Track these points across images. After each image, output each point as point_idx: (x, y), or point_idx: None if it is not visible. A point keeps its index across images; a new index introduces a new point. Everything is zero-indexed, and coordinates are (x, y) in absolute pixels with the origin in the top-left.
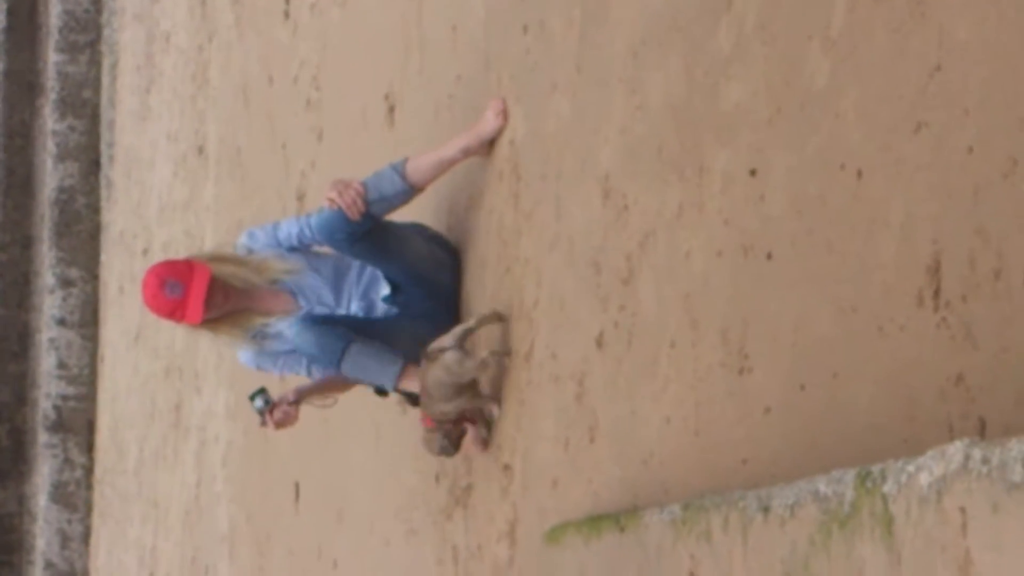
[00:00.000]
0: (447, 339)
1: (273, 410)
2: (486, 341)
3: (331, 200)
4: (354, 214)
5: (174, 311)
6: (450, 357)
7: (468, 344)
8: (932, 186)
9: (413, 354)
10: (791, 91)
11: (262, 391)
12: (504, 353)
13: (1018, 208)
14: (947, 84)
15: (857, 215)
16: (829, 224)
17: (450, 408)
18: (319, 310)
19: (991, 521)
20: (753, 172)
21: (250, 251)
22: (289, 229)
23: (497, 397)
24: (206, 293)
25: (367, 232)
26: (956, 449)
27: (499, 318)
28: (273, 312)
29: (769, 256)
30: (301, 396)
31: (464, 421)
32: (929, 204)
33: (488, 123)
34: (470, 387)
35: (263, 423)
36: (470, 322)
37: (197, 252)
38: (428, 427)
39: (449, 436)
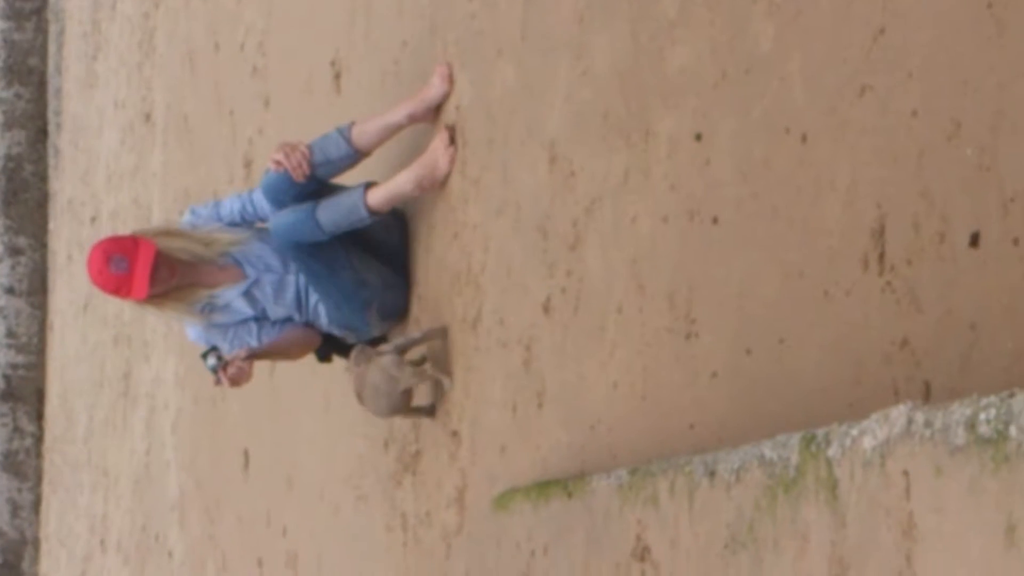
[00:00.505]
0: (387, 345)
1: (227, 367)
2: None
3: (277, 162)
4: (299, 176)
5: (120, 287)
6: (388, 360)
7: (408, 356)
8: (877, 150)
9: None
10: (736, 55)
11: (214, 348)
12: (445, 374)
13: (962, 171)
14: (891, 47)
15: (802, 179)
16: (774, 188)
17: (382, 416)
18: (267, 278)
19: (934, 484)
20: (699, 137)
21: (194, 227)
22: (231, 205)
23: (447, 370)
24: (152, 268)
25: (313, 195)
26: (899, 413)
27: (443, 335)
28: (220, 284)
29: (715, 221)
30: (253, 353)
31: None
32: (874, 168)
33: (433, 88)
34: (405, 401)
35: (217, 381)
36: (415, 334)
37: (143, 228)
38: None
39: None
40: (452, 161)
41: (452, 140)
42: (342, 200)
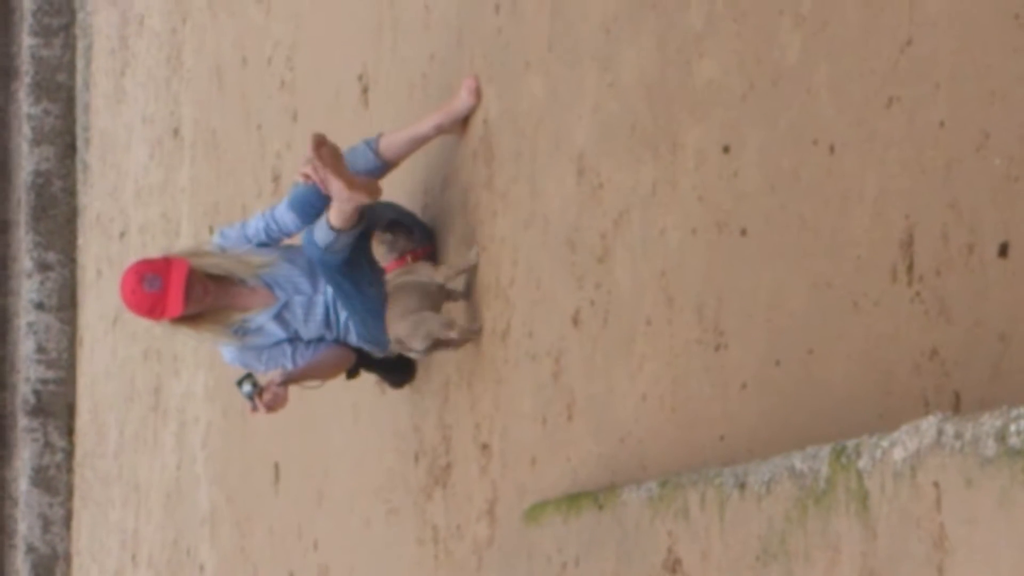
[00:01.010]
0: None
1: (262, 393)
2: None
3: (305, 176)
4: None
5: (154, 306)
6: (423, 266)
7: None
8: (905, 161)
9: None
10: (763, 67)
11: (249, 375)
12: (474, 322)
13: (990, 182)
14: (918, 58)
15: (830, 190)
16: (802, 199)
17: (408, 328)
18: (297, 300)
19: (964, 495)
20: (726, 149)
21: (223, 249)
22: (256, 224)
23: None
24: (186, 284)
25: None
26: (929, 424)
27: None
28: (252, 307)
29: (743, 232)
30: (288, 378)
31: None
32: (902, 179)
33: (461, 101)
34: (436, 301)
35: (254, 408)
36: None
37: (174, 251)
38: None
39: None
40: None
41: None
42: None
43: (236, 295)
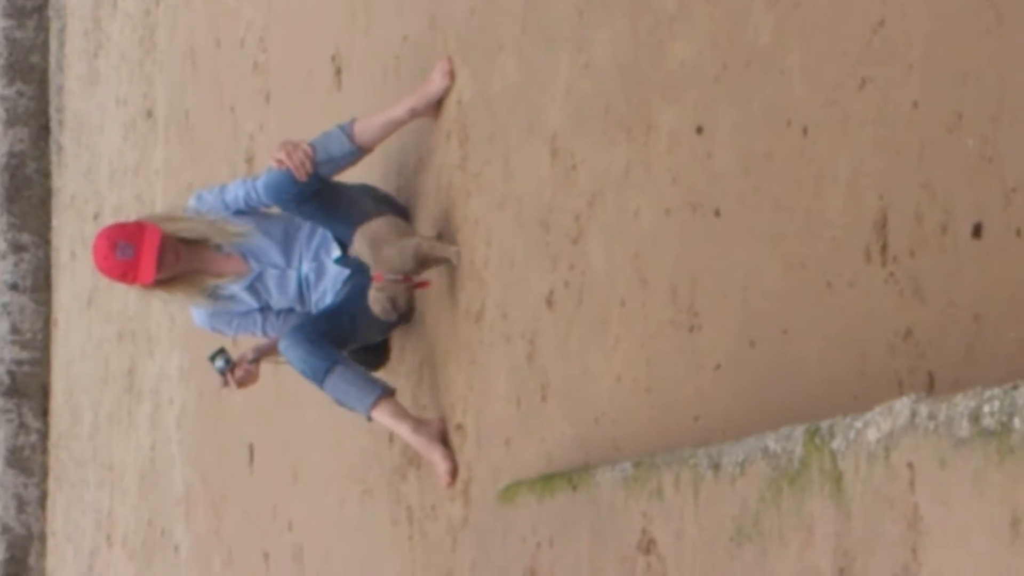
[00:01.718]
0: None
1: (234, 369)
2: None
3: (279, 161)
4: (302, 175)
5: (126, 272)
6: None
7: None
8: (878, 141)
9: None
10: (736, 48)
11: (222, 351)
12: (453, 245)
13: (964, 162)
14: (891, 39)
15: (804, 171)
16: (776, 181)
17: (400, 253)
18: (271, 272)
19: (938, 476)
20: (700, 130)
21: (199, 213)
22: (236, 192)
23: (455, 243)
24: (159, 252)
25: (316, 193)
26: (903, 405)
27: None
28: (225, 274)
29: (717, 213)
30: (260, 354)
31: (419, 283)
32: (875, 160)
33: (435, 83)
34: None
35: (225, 383)
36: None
37: (148, 215)
38: (378, 283)
39: (398, 295)
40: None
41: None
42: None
43: (210, 260)
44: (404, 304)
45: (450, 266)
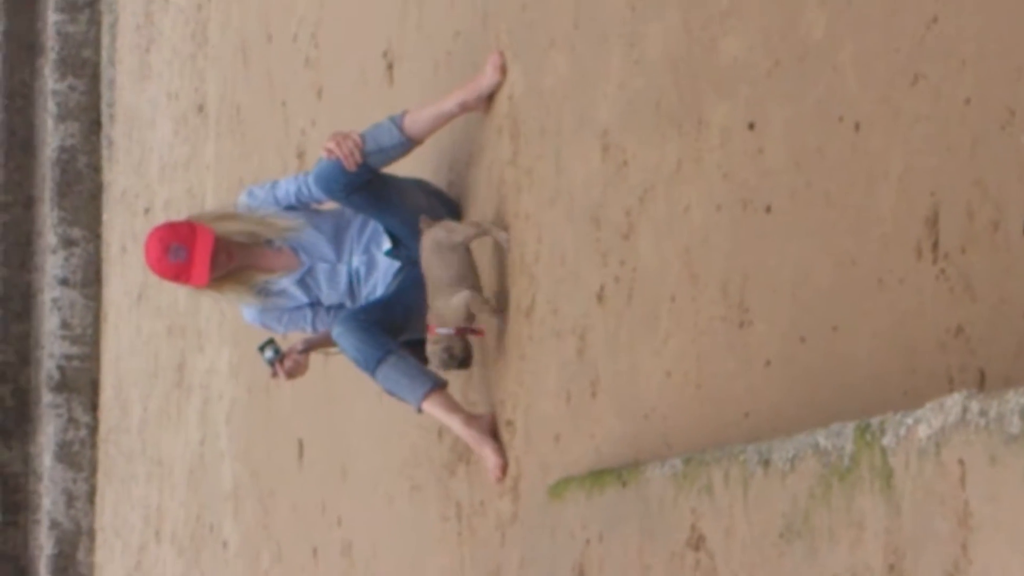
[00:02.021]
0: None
1: (283, 360)
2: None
3: (329, 150)
4: (351, 164)
5: (179, 274)
6: (445, 224)
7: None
8: (930, 138)
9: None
10: (788, 44)
11: (271, 342)
12: (502, 229)
13: (1016, 159)
14: (944, 35)
15: (856, 167)
16: (828, 177)
17: (454, 310)
18: (321, 267)
19: (989, 473)
20: (751, 125)
21: (250, 209)
22: (287, 187)
23: (504, 226)
24: (212, 255)
25: (366, 183)
26: (954, 401)
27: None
28: (276, 269)
29: (768, 209)
30: (310, 346)
31: (471, 331)
32: (927, 156)
33: (486, 78)
34: (469, 266)
35: (274, 374)
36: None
37: (199, 213)
38: (432, 336)
39: (453, 345)
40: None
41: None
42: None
43: (260, 256)
44: (460, 352)
45: (501, 261)
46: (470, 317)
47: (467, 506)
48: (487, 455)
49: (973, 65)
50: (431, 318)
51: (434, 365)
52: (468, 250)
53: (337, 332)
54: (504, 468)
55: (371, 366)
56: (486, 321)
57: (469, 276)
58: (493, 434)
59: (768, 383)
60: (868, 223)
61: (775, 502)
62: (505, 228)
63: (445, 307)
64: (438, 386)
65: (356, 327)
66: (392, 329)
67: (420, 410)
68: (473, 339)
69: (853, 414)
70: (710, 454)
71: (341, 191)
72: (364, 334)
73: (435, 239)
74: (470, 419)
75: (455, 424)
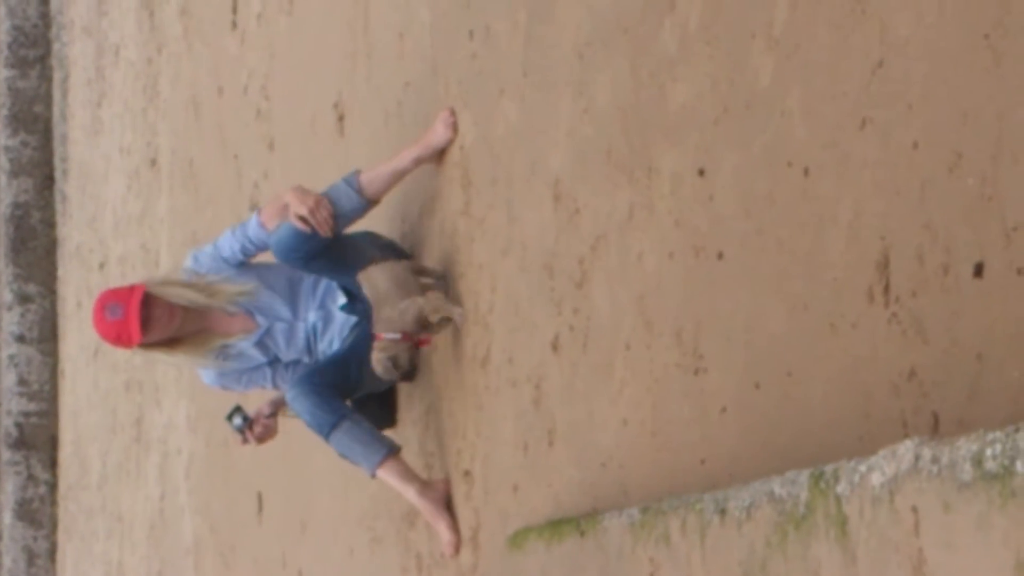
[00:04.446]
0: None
1: (252, 426)
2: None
3: (302, 219)
4: (326, 231)
5: (119, 334)
6: (401, 266)
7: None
8: (879, 182)
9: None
10: (736, 90)
11: (238, 409)
12: (456, 305)
13: (964, 202)
14: (890, 80)
15: (806, 213)
16: (778, 223)
17: (400, 314)
18: (279, 326)
19: (943, 520)
20: (701, 172)
21: (197, 275)
22: (231, 246)
23: (459, 304)
24: (143, 310)
25: (324, 250)
26: (906, 449)
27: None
28: (232, 333)
29: (720, 256)
30: (277, 408)
31: (420, 340)
32: (876, 200)
33: (437, 134)
34: (421, 281)
35: (244, 441)
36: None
37: (147, 278)
38: (379, 343)
39: (399, 354)
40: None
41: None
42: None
43: (216, 320)
44: (406, 363)
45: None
46: (421, 328)
47: (427, 557)
48: (442, 531)
49: (920, 109)
50: (378, 326)
51: (378, 372)
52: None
53: (291, 396)
54: (457, 546)
55: (325, 431)
56: (442, 350)
57: (417, 289)
58: (447, 504)
59: (724, 430)
60: (819, 268)
61: (732, 551)
62: (459, 304)
63: (394, 312)
64: (392, 452)
65: (310, 391)
66: (346, 388)
67: (374, 476)
68: (429, 386)
69: (809, 459)
70: (667, 503)
71: (301, 259)
72: (318, 398)
73: (391, 272)
74: (424, 488)
75: (409, 494)
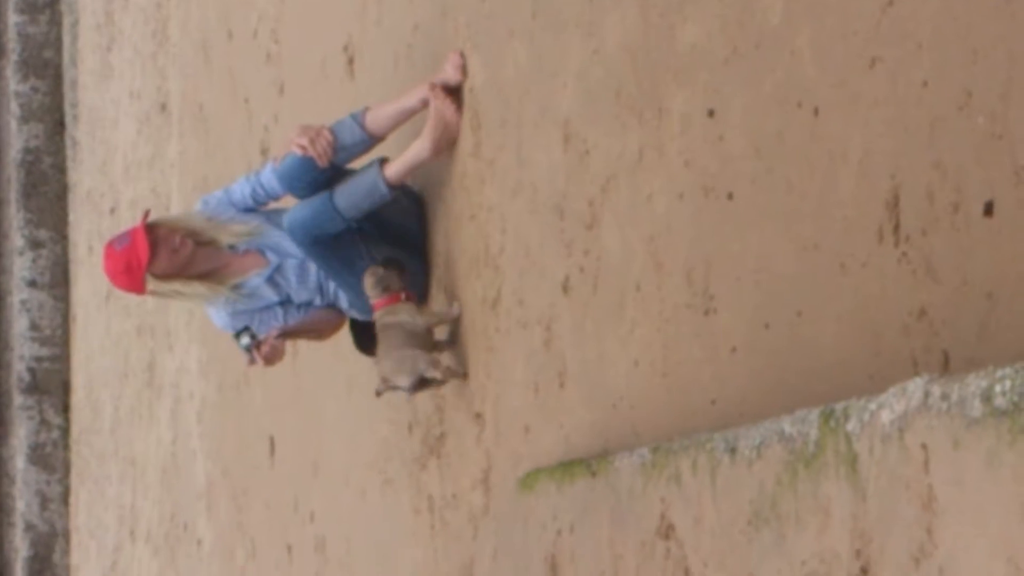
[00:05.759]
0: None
1: (260, 346)
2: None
3: (302, 147)
4: (324, 162)
5: (129, 261)
6: (405, 307)
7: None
8: (889, 121)
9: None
10: (746, 30)
11: (247, 329)
12: (461, 368)
13: (974, 140)
14: (900, 19)
15: (815, 152)
16: (788, 162)
17: (399, 366)
18: (290, 263)
19: (952, 457)
20: (711, 113)
21: (207, 217)
22: (242, 190)
23: (464, 364)
24: (149, 234)
25: (326, 181)
26: (916, 386)
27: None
28: (245, 271)
29: (730, 196)
30: (285, 332)
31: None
32: (886, 139)
33: (447, 75)
34: (422, 342)
35: (251, 361)
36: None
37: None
38: (378, 388)
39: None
40: (460, 74)
41: (447, 94)
42: (359, 182)
43: (228, 259)
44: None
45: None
46: (417, 385)
47: (439, 499)
48: (448, 72)
49: (929, 47)
50: (377, 371)
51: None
52: (428, 334)
53: (288, 220)
54: (461, 61)
55: (329, 210)
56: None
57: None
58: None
59: (734, 370)
60: (829, 208)
61: (743, 489)
62: (465, 370)
63: (393, 367)
64: (382, 160)
65: (292, 191)
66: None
67: (392, 185)
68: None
69: (819, 398)
70: (678, 443)
71: (305, 188)
72: (304, 189)
73: (397, 318)
74: (423, 135)
75: (421, 148)
